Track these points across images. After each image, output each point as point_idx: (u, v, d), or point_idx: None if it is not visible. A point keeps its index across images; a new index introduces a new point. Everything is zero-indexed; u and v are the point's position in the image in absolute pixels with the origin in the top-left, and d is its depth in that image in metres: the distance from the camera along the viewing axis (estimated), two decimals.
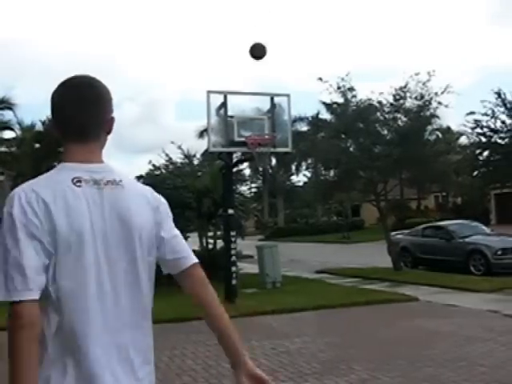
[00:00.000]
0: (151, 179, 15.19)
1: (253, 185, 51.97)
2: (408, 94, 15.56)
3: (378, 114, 16.06)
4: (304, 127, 37.90)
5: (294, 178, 52.78)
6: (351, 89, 15.87)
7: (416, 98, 15.54)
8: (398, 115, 15.90)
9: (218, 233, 15.39)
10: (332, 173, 18.34)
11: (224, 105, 11.36)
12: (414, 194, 39.65)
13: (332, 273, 16.52)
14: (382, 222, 17.22)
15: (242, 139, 11.28)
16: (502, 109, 25.56)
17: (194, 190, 14.56)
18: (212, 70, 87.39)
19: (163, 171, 17.02)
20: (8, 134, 25.26)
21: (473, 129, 25.67)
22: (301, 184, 51.93)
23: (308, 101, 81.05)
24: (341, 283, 14.13)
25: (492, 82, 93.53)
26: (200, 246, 16.12)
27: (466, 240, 15.35)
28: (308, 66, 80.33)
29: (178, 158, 17.88)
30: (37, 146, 23.87)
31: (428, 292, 11.84)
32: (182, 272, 1.77)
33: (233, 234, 11.46)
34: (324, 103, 23.42)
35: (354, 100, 16.06)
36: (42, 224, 1.53)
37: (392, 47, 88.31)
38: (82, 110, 1.68)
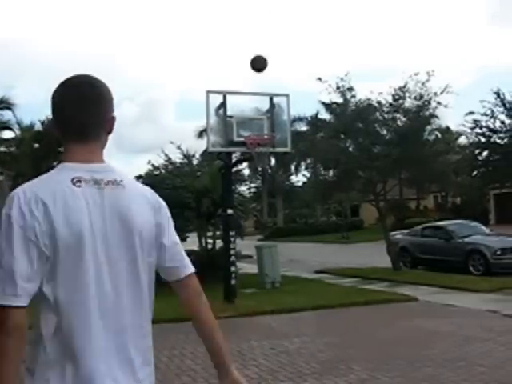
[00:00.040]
0: (150, 179, 15.17)
1: (252, 185, 51.99)
2: (407, 94, 15.58)
3: (378, 114, 16.07)
4: (303, 127, 38.01)
5: (293, 178, 52.94)
6: (350, 89, 15.91)
7: (415, 98, 15.55)
8: (398, 115, 15.92)
9: (218, 233, 15.38)
10: (331, 173, 18.34)
11: (223, 105, 11.34)
12: (413, 193, 39.71)
13: (331, 273, 16.52)
14: (382, 222, 17.22)
15: (242, 139, 11.26)
16: (502, 109, 25.50)
17: (193, 190, 14.54)
18: (211, 70, 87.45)
19: (162, 171, 16.99)
20: (7, 134, 25.31)
21: (472, 129, 25.61)
22: (300, 184, 52.07)
23: (307, 101, 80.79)
24: (340, 283, 14.14)
25: (491, 81, 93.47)
26: (199, 246, 16.13)
27: (466, 240, 15.36)
28: (307, 66, 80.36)
29: (177, 157, 17.87)
30: (36, 146, 23.90)
31: (427, 292, 11.84)
32: (178, 281, 1.79)
33: (232, 233, 11.44)
34: (323, 103, 23.48)
35: (353, 100, 16.10)
36: (41, 226, 1.53)
37: (391, 47, 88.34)
38: (82, 110, 1.67)
